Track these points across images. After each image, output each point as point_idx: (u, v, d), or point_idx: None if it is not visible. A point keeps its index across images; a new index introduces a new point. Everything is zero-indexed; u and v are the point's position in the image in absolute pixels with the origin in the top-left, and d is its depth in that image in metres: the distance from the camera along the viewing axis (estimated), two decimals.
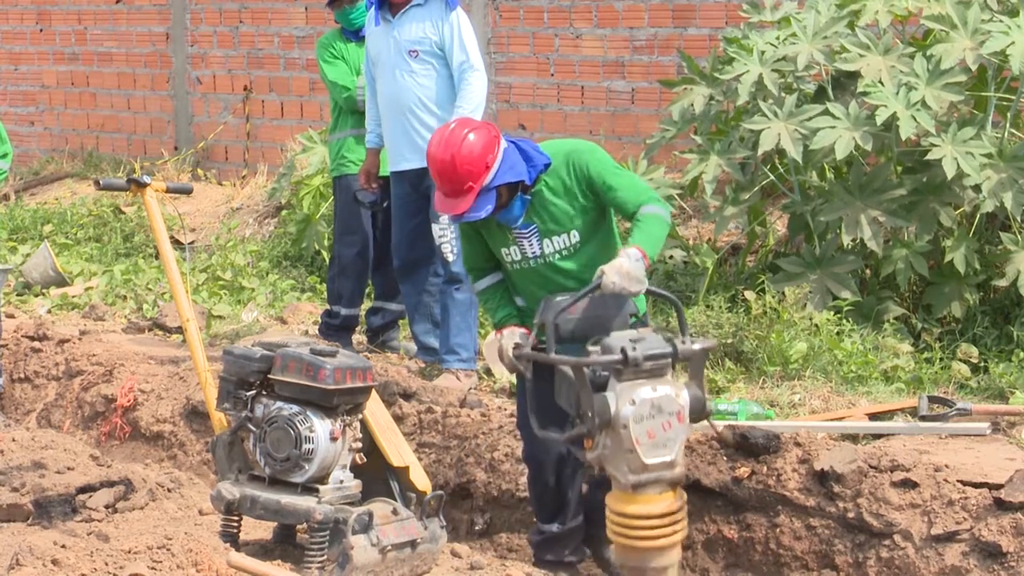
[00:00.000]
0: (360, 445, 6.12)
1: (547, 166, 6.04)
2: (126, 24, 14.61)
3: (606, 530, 5.60)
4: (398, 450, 6.27)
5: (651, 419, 5.45)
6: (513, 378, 8.16)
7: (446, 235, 8.26)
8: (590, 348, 5.60)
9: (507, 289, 6.28)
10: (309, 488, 5.99)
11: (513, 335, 6.04)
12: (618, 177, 6.04)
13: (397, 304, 9.10)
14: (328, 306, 9.31)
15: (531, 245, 6.11)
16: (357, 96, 8.90)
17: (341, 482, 6.05)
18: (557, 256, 6.10)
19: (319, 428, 5.96)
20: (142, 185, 7.13)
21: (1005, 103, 8.54)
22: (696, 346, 5.64)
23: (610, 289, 5.72)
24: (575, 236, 6.08)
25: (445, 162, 5.90)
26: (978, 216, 8.42)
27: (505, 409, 7.63)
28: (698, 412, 5.63)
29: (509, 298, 6.26)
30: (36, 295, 11.13)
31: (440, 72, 8.29)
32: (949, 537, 6.15)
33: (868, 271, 8.75)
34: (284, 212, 11.98)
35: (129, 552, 5.66)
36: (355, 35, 9.03)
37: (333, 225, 9.63)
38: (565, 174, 6.05)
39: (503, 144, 5.98)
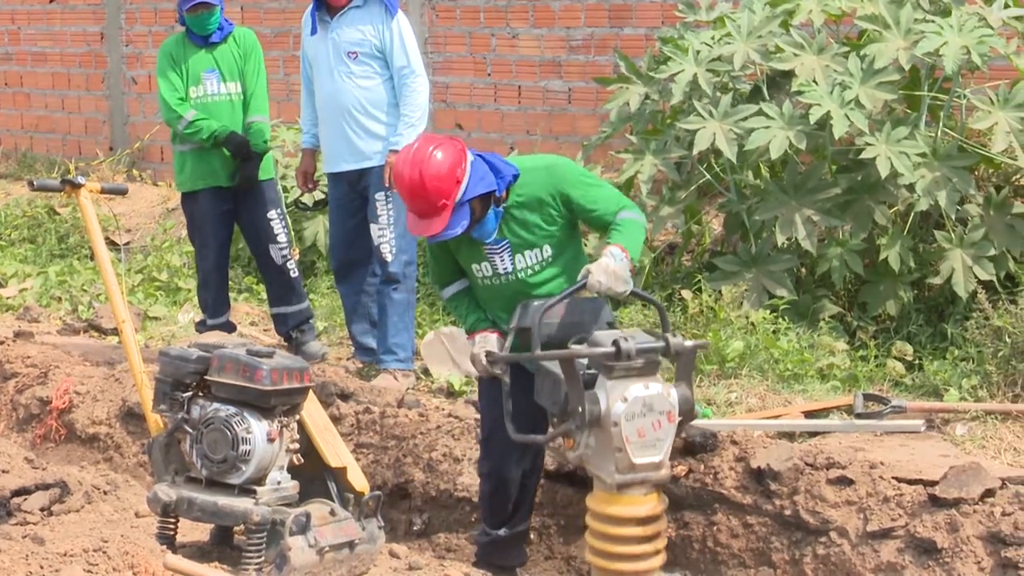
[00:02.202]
0: (297, 446, 6.09)
1: (515, 177, 5.96)
2: (60, 24, 14.51)
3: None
4: (336, 451, 6.24)
5: (642, 417, 5.39)
6: (452, 378, 8.17)
7: (385, 235, 8.26)
8: (572, 347, 5.55)
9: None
10: (246, 489, 5.95)
11: (486, 341, 6.01)
12: (596, 193, 5.98)
13: (294, 306, 9.06)
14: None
15: (502, 261, 6.05)
16: (179, 127, 8.85)
17: (278, 483, 6.01)
18: (528, 272, 6.04)
19: (256, 429, 5.93)
20: (76, 186, 7.10)
21: (938, 103, 8.60)
22: (688, 343, 5.60)
23: (596, 289, 5.65)
24: (547, 251, 6.02)
25: (414, 181, 5.78)
26: (912, 215, 8.47)
27: (443, 409, 7.62)
28: (687, 412, 5.60)
29: (478, 303, 6.21)
30: None
31: (381, 75, 8.28)
32: (885, 534, 6.18)
33: (804, 270, 8.80)
34: None
35: (65, 555, 5.62)
36: (204, 40, 8.94)
37: (189, 239, 9.56)
38: (542, 189, 5.96)
39: (470, 157, 5.89)
